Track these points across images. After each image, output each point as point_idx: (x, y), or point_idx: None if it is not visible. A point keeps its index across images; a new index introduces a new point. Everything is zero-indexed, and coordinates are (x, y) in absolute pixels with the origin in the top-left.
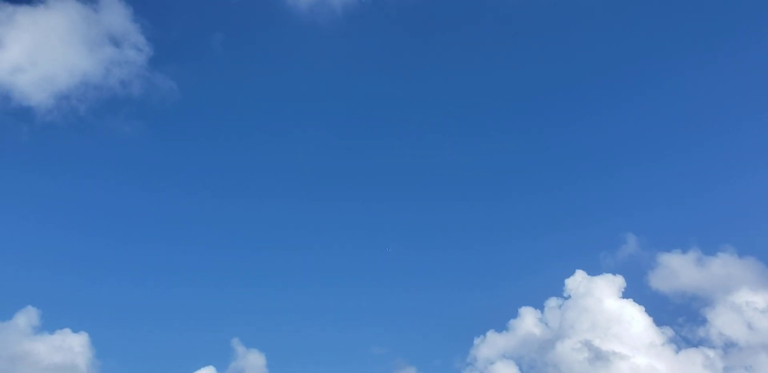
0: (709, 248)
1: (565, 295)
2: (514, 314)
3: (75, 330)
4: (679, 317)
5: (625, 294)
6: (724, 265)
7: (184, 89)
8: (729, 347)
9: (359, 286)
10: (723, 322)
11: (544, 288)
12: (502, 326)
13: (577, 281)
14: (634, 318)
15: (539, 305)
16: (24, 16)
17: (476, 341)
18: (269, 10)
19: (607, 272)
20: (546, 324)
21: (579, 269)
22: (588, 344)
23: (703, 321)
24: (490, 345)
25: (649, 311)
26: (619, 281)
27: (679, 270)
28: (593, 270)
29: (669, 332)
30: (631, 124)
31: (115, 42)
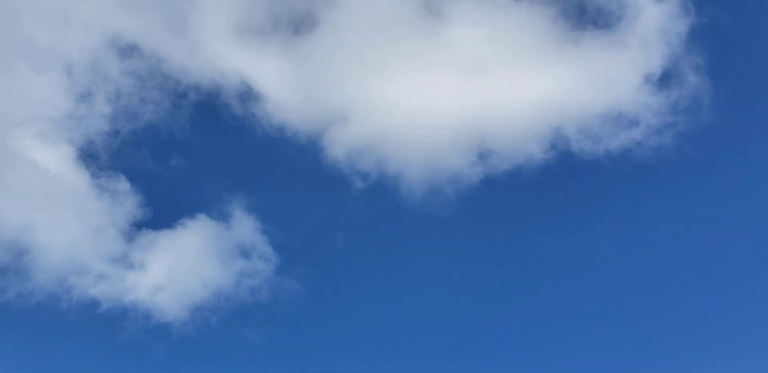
0: None
1: None
2: None
3: None
4: None
5: None
6: None
7: (309, 290)
8: None
9: None
10: None
11: None
12: None
13: None
14: None
15: None
16: (164, 238)
17: None
18: (385, 203)
19: None
20: None
21: None
22: None
23: None
24: None
25: None
26: None
27: None
28: None
29: None
30: None
31: (245, 254)
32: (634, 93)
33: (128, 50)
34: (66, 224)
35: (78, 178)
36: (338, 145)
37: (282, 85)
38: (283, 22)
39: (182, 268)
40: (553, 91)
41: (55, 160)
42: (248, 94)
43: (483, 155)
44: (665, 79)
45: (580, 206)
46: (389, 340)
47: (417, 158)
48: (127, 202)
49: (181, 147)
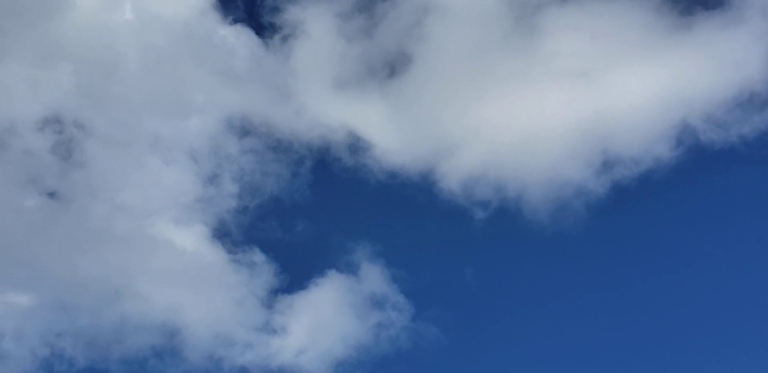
0: None
1: None
2: None
3: None
4: None
5: None
6: None
7: (448, 332)
8: None
9: None
10: None
11: None
12: None
13: None
14: None
15: None
16: (300, 300)
17: None
18: (510, 228)
19: None
20: None
21: None
22: None
23: None
24: None
25: None
26: None
27: None
28: None
29: None
30: None
31: (379, 305)
32: (763, 70)
33: (242, 128)
34: (209, 299)
35: (215, 256)
36: (452, 178)
37: (387, 128)
38: (378, 66)
39: (321, 326)
40: (671, 83)
41: (191, 242)
42: (356, 145)
43: (607, 163)
44: None
45: (723, 205)
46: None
47: (537, 176)
48: (263, 271)
49: (304, 211)
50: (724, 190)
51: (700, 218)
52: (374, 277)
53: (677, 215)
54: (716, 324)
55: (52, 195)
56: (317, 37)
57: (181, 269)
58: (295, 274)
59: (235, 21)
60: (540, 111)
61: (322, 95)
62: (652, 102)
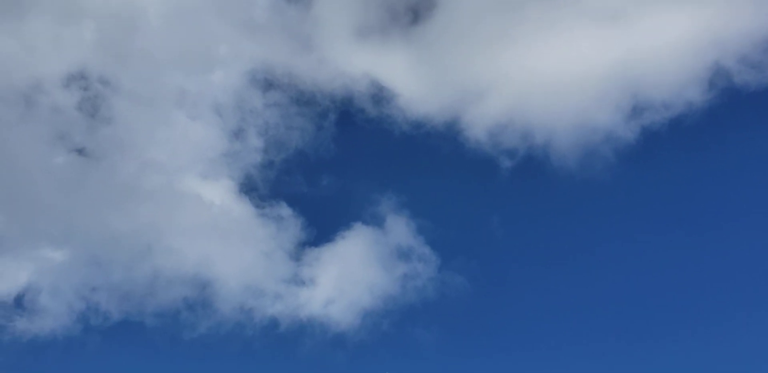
0: None
1: None
2: None
3: None
4: None
5: None
6: None
7: (474, 282)
8: None
9: None
10: None
11: None
12: None
13: None
14: None
15: None
16: (327, 252)
17: None
18: (537, 176)
19: None
20: None
21: None
22: None
23: None
24: None
25: None
26: None
27: None
28: None
29: None
30: None
31: (405, 256)
32: None
33: (266, 80)
34: (238, 253)
35: (242, 210)
36: (478, 126)
37: (410, 77)
38: (400, 13)
39: (348, 278)
40: (704, 24)
41: (219, 196)
42: (380, 95)
43: (637, 108)
44: None
45: (757, 150)
46: (562, 323)
47: (565, 122)
48: (290, 225)
49: (328, 165)
50: (759, 135)
51: (733, 164)
52: (400, 228)
53: (709, 161)
54: (748, 266)
55: (80, 152)
56: None
57: (210, 224)
58: (321, 227)
59: None
60: (568, 55)
61: (345, 44)
62: (683, 44)
